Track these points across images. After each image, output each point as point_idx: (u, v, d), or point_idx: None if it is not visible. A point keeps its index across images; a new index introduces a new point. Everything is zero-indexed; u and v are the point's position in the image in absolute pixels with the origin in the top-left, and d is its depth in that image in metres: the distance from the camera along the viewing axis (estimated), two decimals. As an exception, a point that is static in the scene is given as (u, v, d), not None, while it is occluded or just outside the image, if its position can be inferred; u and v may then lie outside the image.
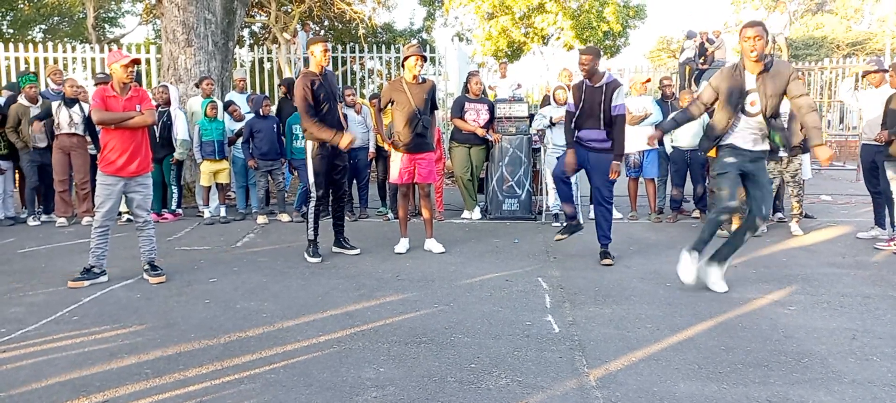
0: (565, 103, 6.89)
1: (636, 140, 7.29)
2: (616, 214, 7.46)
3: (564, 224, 5.53)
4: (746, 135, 4.27)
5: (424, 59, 5.73)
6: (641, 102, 7.28)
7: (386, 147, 5.73)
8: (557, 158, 5.62)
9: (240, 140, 7.50)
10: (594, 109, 5.14)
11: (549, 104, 7.67)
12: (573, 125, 5.29)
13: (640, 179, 7.59)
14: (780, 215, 7.20)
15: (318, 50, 5.35)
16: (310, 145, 5.50)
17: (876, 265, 5.18)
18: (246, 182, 7.75)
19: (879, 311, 3.97)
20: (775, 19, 13.09)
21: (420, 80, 5.66)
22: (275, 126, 7.39)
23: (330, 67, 5.71)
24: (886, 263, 5.24)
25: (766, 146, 4.30)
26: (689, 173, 7.31)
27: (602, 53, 5.46)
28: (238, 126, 7.58)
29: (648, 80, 7.63)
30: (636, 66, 17.02)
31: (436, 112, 5.98)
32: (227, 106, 7.76)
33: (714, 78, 4.41)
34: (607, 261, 5.20)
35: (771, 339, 3.48)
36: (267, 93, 12.12)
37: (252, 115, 7.47)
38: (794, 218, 6.60)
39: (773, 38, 12.82)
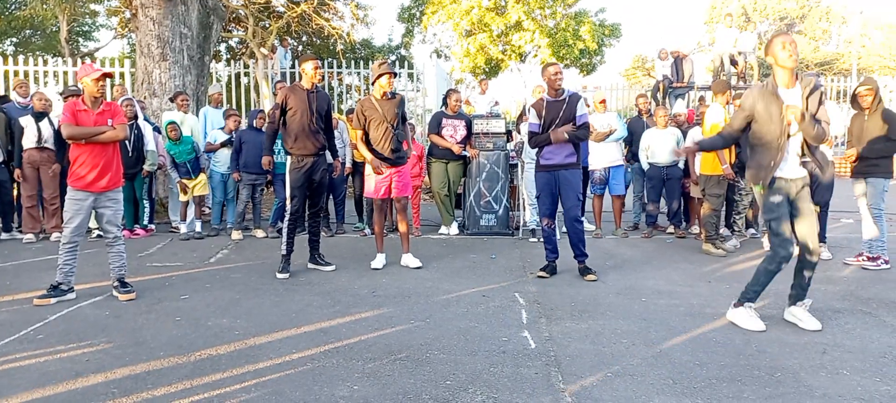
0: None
1: (602, 156, 7.34)
2: (586, 226, 7.54)
3: (546, 263, 5.45)
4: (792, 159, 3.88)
5: (395, 75, 5.77)
6: (606, 119, 7.33)
7: (375, 170, 5.69)
8: (535, 209, 5.52)
9: (220, 151, 7.42)
10: (559, 124, 5.18)
11: (524, 121, 7.72)
12: (535, 143, 5.33)
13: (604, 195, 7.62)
14: (752, 231, 7.32)
15: (309, 66, 5.42)
16: (288, 160, 5.48)
17: (845, 280, 5.28)
18: (223, 197, 7.65)
19: (849, 325, 4.03)
20: (745, 39, 13.38)
21: (389, 95, 5.66)
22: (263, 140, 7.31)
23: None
24: (855, 278, 5.34)
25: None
26: (664, 189, 7.40)
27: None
28: (221, 136, 7.49)
29: (603, 101, 7.61)
30: (612, 83, 17.27)
31: (406, 123, 6.01)
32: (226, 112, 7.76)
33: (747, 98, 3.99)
34: (591, 277, 5.23)
35: (744, 354, 3.52)
36: (259, 109, 12.02)
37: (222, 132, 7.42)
38: (765, 233, 6.69)
39: (745, 57, 13.11)
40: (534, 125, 5.35)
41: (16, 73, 11.59)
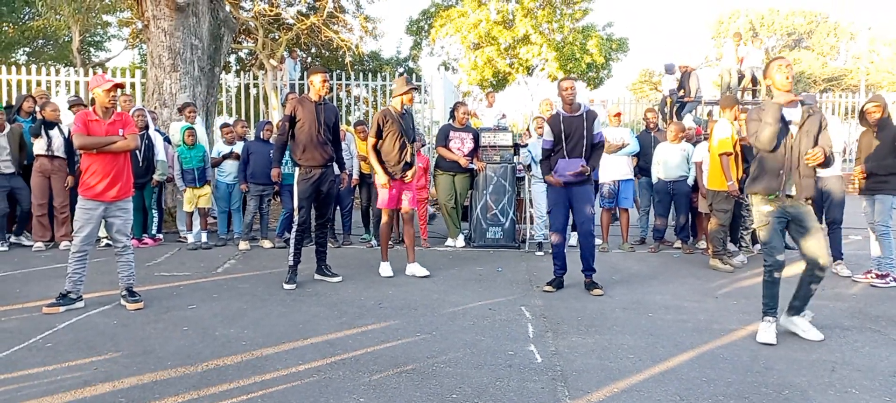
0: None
1: (611, 170, 7.34)
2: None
3: (553, 276, 5.43)
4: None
5: (418, 90, 5.89)
6: (618, 133, 7.36)
7: (385, 183, 5.79)
8: (549, 214, 5.56)
9: (225, 163, 7.47)
10: (576, 139, 5.20)
11: (529, 135, 7.74)
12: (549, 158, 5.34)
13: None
14: (759, 246, 7.28)
15: (318, 79, 5.49)
16: (296, 171, 5.53)
17: (854, 297, 5.24)
18: (228, 207, 7.69)
19: (858, 343, 4.01)
20: (753, 54, 13.38)
21: (405, 110, 5.82)
22: (271, 151, 7.36)
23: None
24: (864, 296, 5.30)
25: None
26: (672, 204, 7.38)
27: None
28: (226, 148, 7.54)
29: (619, 114, 7.67)
30: (619, 97, 17.29)
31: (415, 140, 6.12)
32: (222, 127, 7.79)
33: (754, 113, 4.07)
34: (598, 291, 5.21)
35: (751, 371, 3.50)
36: (267, 120, 12.09)
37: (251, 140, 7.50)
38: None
39: (752, 72, 13.10)
40: (547, 142, 5.36)
41: (28, 83, 11.72)
